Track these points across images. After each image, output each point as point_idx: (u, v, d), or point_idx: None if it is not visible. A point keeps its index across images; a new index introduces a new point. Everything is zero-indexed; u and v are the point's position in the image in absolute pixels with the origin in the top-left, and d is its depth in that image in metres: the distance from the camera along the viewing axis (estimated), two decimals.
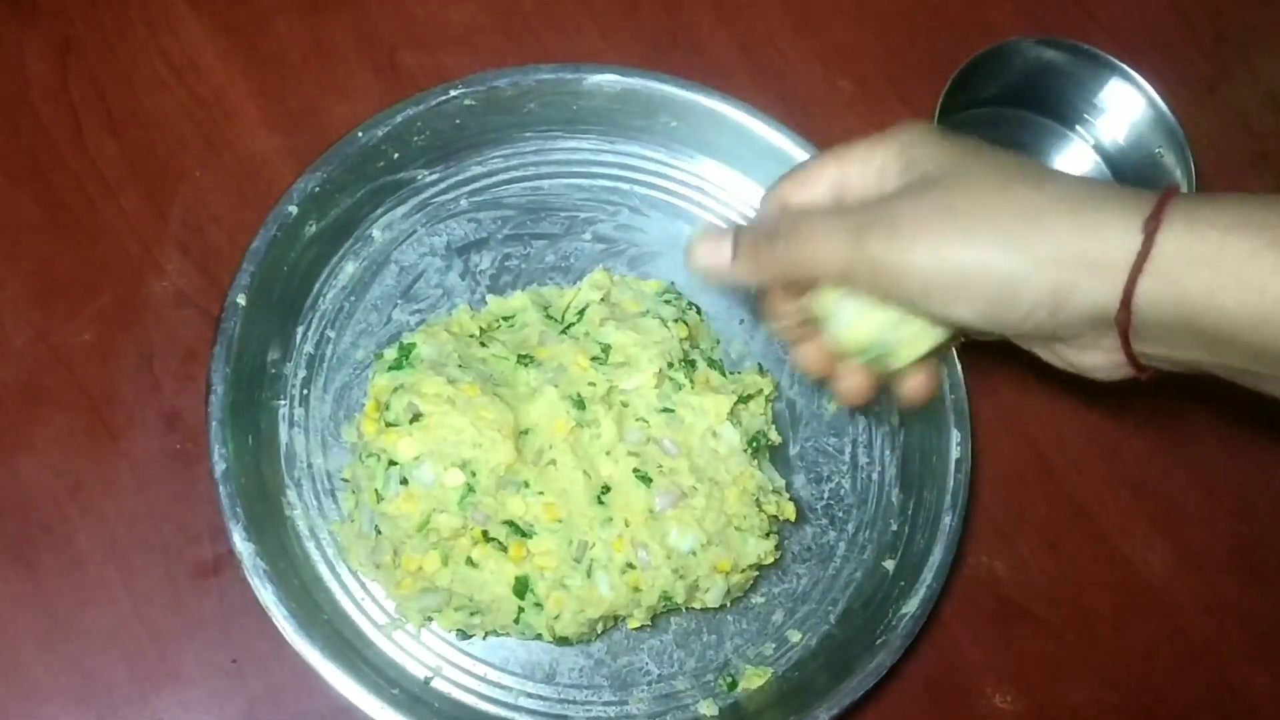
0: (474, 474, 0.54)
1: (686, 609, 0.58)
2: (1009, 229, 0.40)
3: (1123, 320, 0.39)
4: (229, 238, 0.62)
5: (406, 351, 0.57)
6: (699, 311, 0.63)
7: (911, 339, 0.47)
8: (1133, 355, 0.41)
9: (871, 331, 0.47)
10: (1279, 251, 0.37)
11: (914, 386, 0.50)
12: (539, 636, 0.55)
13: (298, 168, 0.60)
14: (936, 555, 0.58)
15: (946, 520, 0.59)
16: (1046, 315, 0.41)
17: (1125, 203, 0.39)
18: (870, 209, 0.43)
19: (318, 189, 0.59)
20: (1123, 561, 0.65)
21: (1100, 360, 0.43)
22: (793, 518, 0.59)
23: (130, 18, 0.66)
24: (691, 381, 0.58)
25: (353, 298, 0.62)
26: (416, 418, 0.54)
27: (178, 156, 0.64)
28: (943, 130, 0.45)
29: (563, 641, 0.56)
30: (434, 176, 0.64)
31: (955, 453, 0.60)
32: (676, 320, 0.60)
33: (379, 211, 0.63)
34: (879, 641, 0.56)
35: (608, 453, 0.56)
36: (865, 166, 0.45)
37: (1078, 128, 0.70)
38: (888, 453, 0.63)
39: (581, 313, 0.60)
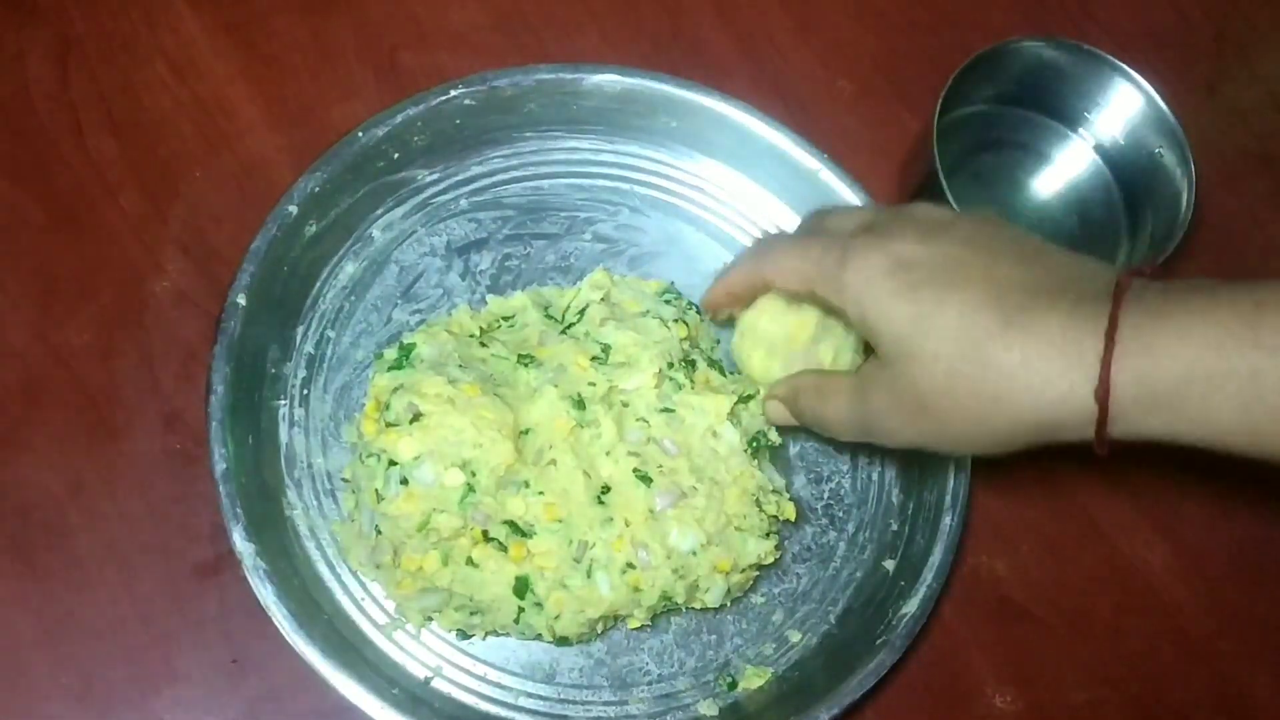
0: (474, 474, 0.54)
1: (686, 609, 0.58)
2: (977, 417, 0.44)
3: (1104, 451, 0.43)
4: (229, 238, 0.62)
5: (407, 351, 0.57)
6: (699, 311, 0.63)
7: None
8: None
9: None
10: (1227, 394, 0.39)
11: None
12: (539, 636, 0.55)
13: (298, 168, 0.60)
14: (936, 555, 0.58)
15: (946, 520, 0.59)
16: (1037, 444, 0.45)
17: (1082, 353, 0.41)
18: (862, 410, 0.49)
19: (318, 189, 0.59)
20: (1123, 561, 0.65)
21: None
22: (793, 518, 0.59)
23: (130, 18, 0.66)
24: (692, 381, 0.58)
25: (353, 298, 0.62)
26: (417, 418, 0.54)
27: (178, 157, 0.64)
28: (884, 289, 0.46)
29: (563, 641, 0.56)
30: (434, 176, 0.64)
31: None
32: (676, 320, 0.60)
33: (379, 211, 0.63)
34: (879, 641, 0.56)
35: (608, 453, 0.56)
36: (828, 299, 0.49)
37: (1078, 127, 0.70)
38: (888, 452, 0.63)
39: (582, 313, 0.60)
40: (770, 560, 0.57)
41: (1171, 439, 0.42)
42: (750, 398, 0.60)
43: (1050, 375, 0.42)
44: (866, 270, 0.46)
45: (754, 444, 0.58)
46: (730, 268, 0.56)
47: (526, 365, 0.58)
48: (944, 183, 0.60)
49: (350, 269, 0.62)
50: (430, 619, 0.56)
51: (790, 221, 0.66)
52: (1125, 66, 0.66)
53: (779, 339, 0.56)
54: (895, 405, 0.47)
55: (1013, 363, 0.42)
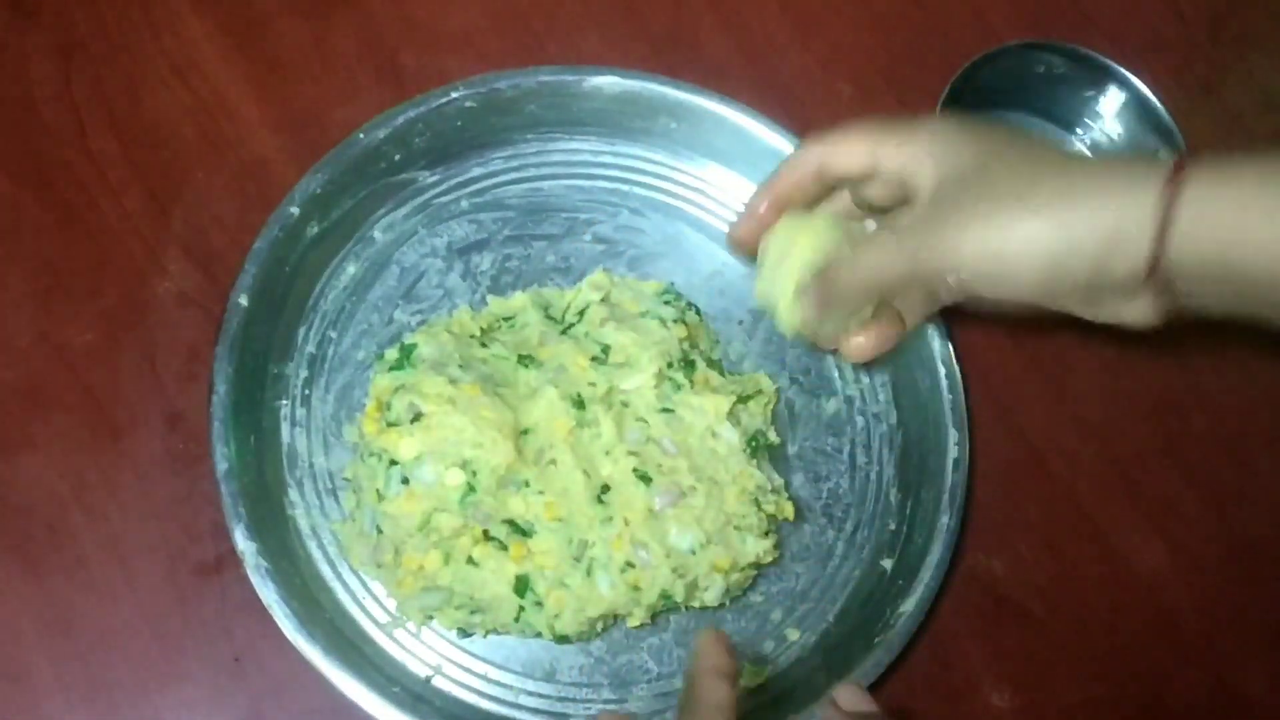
0: (474, 473, 0.54)
1: (686, 608, 0.58)
2: (1047, 211, 0.44)
3: (1153, 284, 0.44)
4: (231, 239, 0.62)
5: (408, 352, 0.58)
6: (698, 312, 0.63)
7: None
8: (1167, 309, 0.46)
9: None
10: None
11: (852, 350, 0.55)
12: (539, 635, 0.56)
13: (300, 169, 0.60)
14: (934, 554, 0.58)
15: (944, 520, 0.59)
16: (1087, 285, 0.45)
17: (1148, 174, 0.43)
18: (918, 228, 0.48)
19: (319, 190, 0.59)
20: (1120, 560, 0.65)
21: (1136, 314, 0.46)
22: (791, 517, 0.59)
23: (133, 20, 0.66)
24: (691, 382, 0.58)
25: (354, 298, 0.62)
26: (417, 418, 0.55)
27: (180, 158, 0.64)
28: (963, 121, 0.50)
29: (563, 640, 0.56)
30: (435, 178, 0.64)
31: (953, 452, 0.60)
32: (676, 321, 0.60)
33: (380, 212, 0.63)
34: (877, 640, 0.56)
35: (607, 452, 0.56)
36: (899, 150, 0.50)
37: (1076, 130, 0.70)
38: (886, 452, 0.63)
39: (582, 313, 0.60)
40: (769, 559, 0.58)
41: (1229, 268, 0.42)
42: (750, 398, 0.60)
43: (1125, 177, 0.43)
44: (937, 123, 0.49)
45: (753, 444, 0.59)
46: (761, 191, 0.55)
47: (527, 365, 0.58)
48: None
49: (351, 270, 0.62)
50: (431, 617, 0.57)
51: None
52: (1122, 69, 0.66)
53: (820, 257, 0.53)
54: (958, 206, 0.47)
55: (1090, 165, 0.46)
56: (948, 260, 0.46)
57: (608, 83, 0.64)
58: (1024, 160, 0.46)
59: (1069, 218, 0.44)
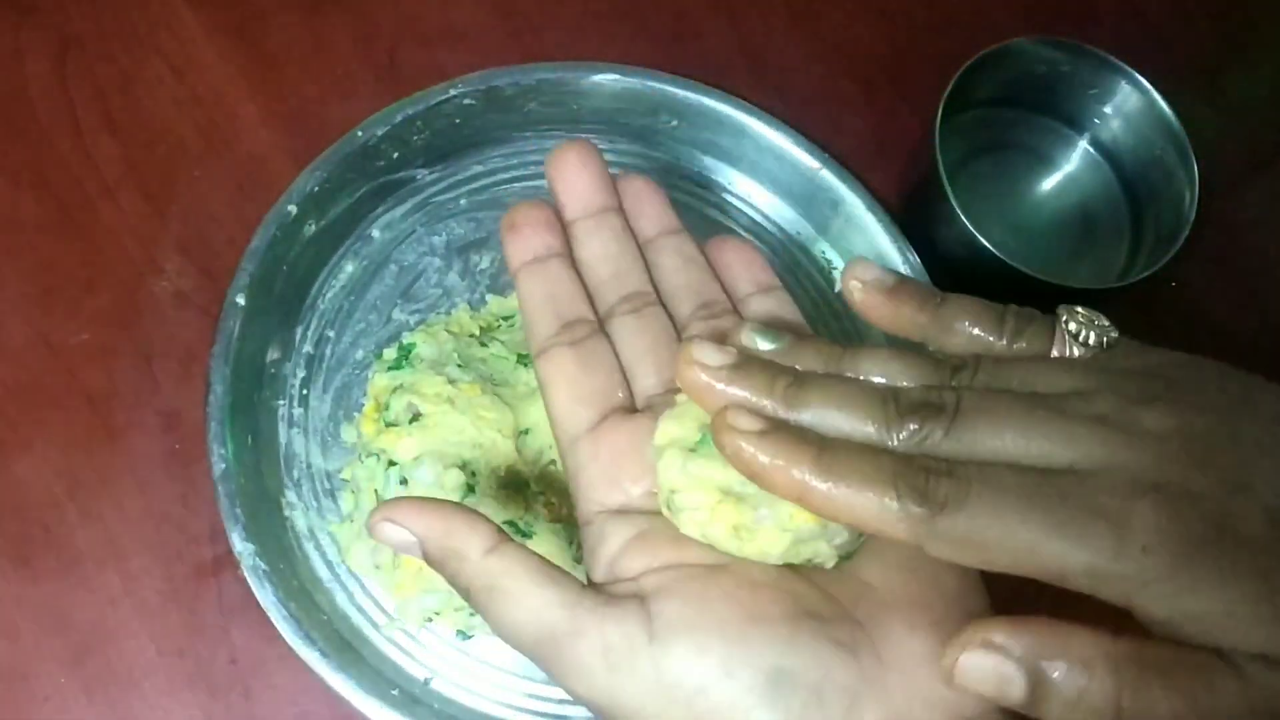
0: (474, 474, 0.54)
1: None
2: None
3: None
4: (228, 237, 0.61)
5: (406, 351, 0.57)
6: None
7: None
8: None
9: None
10: None
11: None
12: None
13: (297, 167, 0.60)
14: None
15: None
16: None
17: None
18: None
19: (317, 188, 0.59)
20: None
21: None
22: None
23: (129, 17, 0.66)
24: None
25: (352, 297, 0.62)
26: (416, 418, 0.54)
27: (177, 156, 0.63)
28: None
29: None
30: (434, 176, 0.64)
31: None
32: None
33: (378, 211, 0.63)
34: None
35: None
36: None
37: (1081, 129, 0.70)
38: None
39: None
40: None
41: None
42: None
43: None
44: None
45: None
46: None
47: (526, 365, 0.58)
48: (946, 184, 0.60)
49: (349, 269, 0.62)
50: (430, 619, 0.56)
51: (789, 220, 0.66)
52: (1127, 67, 0.66)
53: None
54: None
55: None
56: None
57: (608, 80, 0.63)
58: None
59: None
